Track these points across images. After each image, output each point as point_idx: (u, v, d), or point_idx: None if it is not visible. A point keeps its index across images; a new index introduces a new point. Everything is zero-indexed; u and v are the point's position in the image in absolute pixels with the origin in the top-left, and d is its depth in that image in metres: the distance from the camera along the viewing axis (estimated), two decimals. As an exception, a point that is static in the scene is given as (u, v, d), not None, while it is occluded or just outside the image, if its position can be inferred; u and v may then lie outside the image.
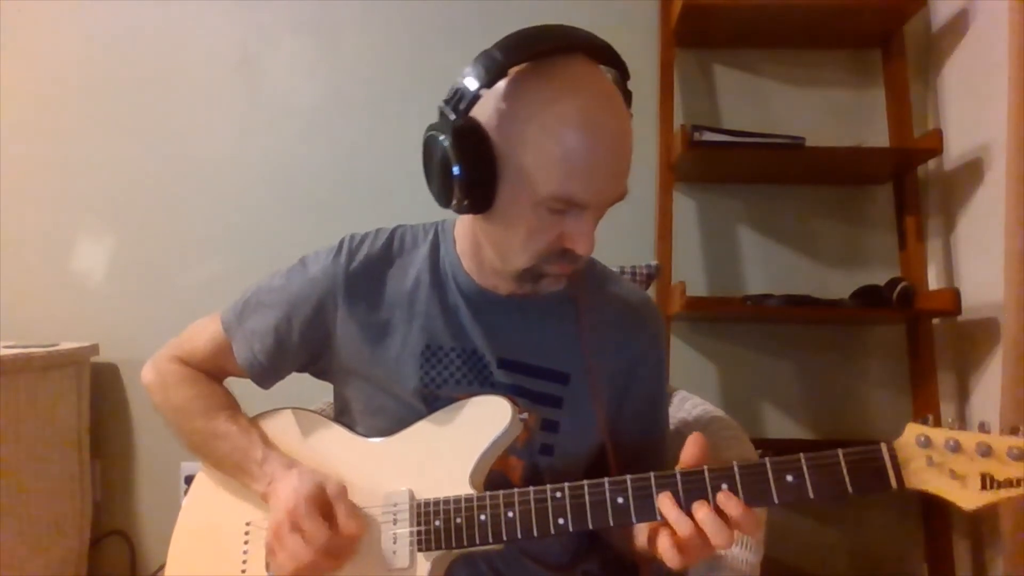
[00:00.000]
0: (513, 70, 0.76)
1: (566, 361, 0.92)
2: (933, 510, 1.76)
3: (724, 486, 0.73)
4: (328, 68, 1.98)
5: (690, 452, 0.76)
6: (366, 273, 0.94)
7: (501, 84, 0.77)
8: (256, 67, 1.98)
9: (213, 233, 1.97)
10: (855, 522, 1.88)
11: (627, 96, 0.83)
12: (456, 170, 0.77)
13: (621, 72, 0.82)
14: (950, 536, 1.72)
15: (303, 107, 1.97)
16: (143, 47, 1.98)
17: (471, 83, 0.76)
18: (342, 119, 1.95)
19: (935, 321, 1.78)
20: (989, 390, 1.60)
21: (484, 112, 0.77)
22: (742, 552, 0.93)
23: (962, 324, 1.70)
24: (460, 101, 0.76)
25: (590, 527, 0.78)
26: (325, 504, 0.83)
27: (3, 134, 1.98)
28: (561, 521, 0.79)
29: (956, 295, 1.60)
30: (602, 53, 0.80)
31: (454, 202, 0.79)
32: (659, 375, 1.00)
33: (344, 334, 0.94)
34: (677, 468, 0.76)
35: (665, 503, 0.74)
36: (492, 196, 0.79)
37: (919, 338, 1.78)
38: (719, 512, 0.72)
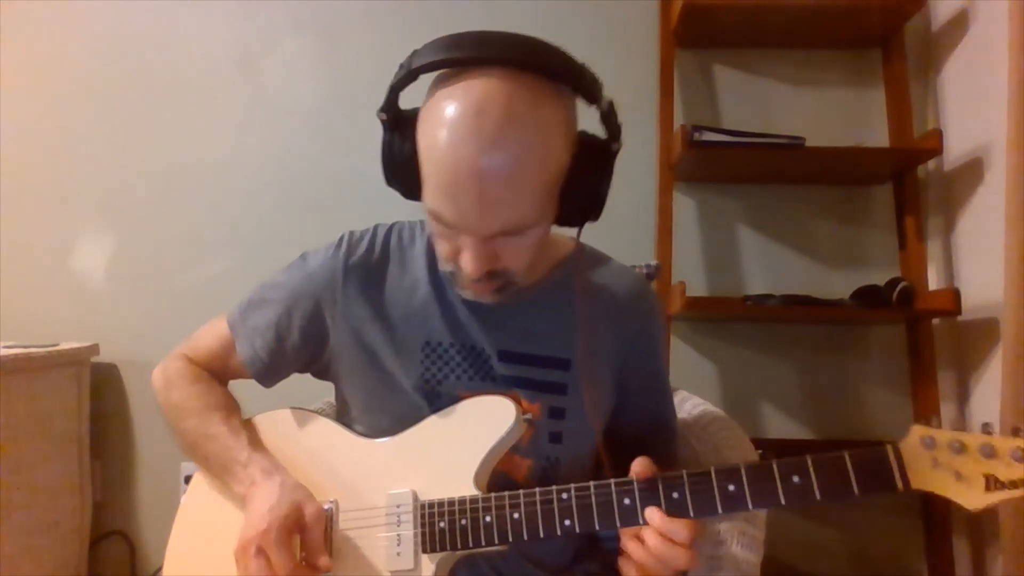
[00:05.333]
0: (436, 74, 0.76)
1: (566, 347, 0.92)
2: (933, 510, 1.77)
3: (731, 487, 0.73)
4: (328, 68, 1.98)
5: None
6: (365, 268, 0.94)
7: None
8: (256, 67, 1.98)
9: (213, 233, 1.97)
10: (855, 522, 1.88)
11: (608, 121, 0.78)
12: (383, 156, 0.81)
13: (568, 79, 0.75)
14: (950, 536, 1.72)
15: (303, 107, 1.97)
16: (143, 47, 1.98)
17: (393, 80, 0.78)
18: (342, 119, 1.95)
19: (935, 321, 1.78)
20: (989, 390, 1.60)
21: (421, 111, 0.79)
22: (742, 552, 0.93)
23: (962, 324, 1.70)
24: (389, 93, 0.79)
25: (597, 528, 0.78)
26: (299, 526, 0.82)
27: (3, 134, 1.98)
28: (567, 522, 0.79)
29: (956, 295, 1.60)
30: (536, 66, 0.73)
31: (386, 182, 0.83)
32: (658, 349, 1.01)
33: (344, 329, 0.94)
34: (685, 470, 0.76)
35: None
36: (417, 190, 0.80)
37: (919, 338, 1.78)
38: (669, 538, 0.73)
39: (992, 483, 0.65)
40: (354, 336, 0.93)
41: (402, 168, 0.79)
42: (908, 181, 1.82)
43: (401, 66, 0.77)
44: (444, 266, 0.84)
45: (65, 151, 1.98)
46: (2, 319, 1.94)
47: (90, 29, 1.98)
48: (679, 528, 0.73)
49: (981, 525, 1.65)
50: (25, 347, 1.71)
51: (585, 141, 0.79)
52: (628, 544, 0.76)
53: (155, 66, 1.98)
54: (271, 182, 1.97)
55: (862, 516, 1.88)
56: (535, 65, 0.73)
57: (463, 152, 0.71)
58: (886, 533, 1.87)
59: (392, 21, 1.95)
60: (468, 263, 0.77)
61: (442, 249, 0.82)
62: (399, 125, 0.79)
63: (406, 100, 0.80)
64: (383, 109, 0.79)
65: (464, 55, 0.73)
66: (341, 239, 0.97)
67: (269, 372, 0.98)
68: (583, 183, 0.78)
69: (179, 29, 1.98)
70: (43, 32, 1.99)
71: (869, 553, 1.87)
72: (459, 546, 0.82)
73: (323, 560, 0.81)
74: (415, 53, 0.76)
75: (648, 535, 0.74)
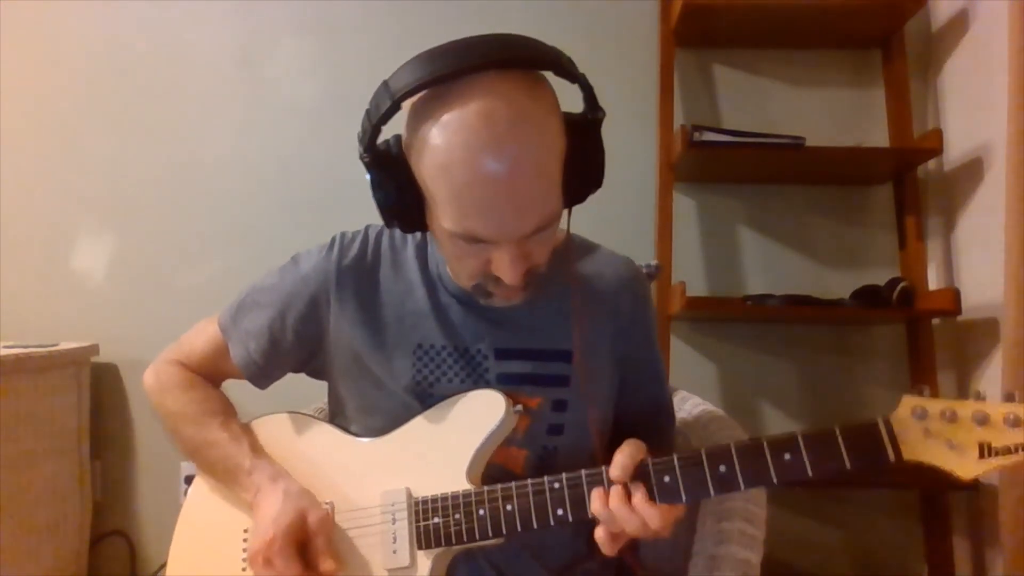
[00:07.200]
0: (410, 101, 0.73)
1: (565, 338, 0.92)
2: (933, 510, 1.76)
3: (722, 468, 0.74)
4: (328, 68, 1.98)
5: None
6: (358, 270, 0.94)
7: (405, 114, 0.75)
8: (256, 67, 1.98)
9: (213, 233, 1.97)
10: (855, 522, 1.88)
11: (587, 94, 0.78)
12: (377, 197, 0.78)
13: (547, 64, 0.74)
14: (950, 536, 1.72)
15: (303, 107, 1.97)
16: (144, 47, 1.98)
17: (371, 117, 0.75)
18: (342, 119, 1.95)
19: (935, 321, 1.78)
20: (989, 390, 1.57)
21: (404, 140, 0.78)
22: (742, 552, 0.93)
23: (962, 324, 1.70)
24: (364, 135, 0.76)
25: (590, 517, 0.78)
26: (304, 533, 0.83)
27: (3, 134, 1.98)
28: (560, 512, 0.79)
29: (956, 295, 1.60)
30: (522, 60, 0.73)
31: (385, 223, 0.81)
32: (652, 333, 1.01)
33: (337, 330, 0.94)
34: (675, 455, 0.77)
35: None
36: (420, 221, 0.79)
37: (919, 338, 1.78)
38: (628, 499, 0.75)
39: (986, 450, 0.64)
40: (348, 338, 0.93)
41: (400, 204, 0.78)
42: (908, 181, 1.82)
43: (376, 104, 0.74)
44: (467, 282, 0.83)
45: (65, 151, 1.99)
46: (2, 319, 1.94)
47: (90, 29, 1.99)
48: (643, 504, 0.75)
49: (981, 525, 1.65)
50: (25, 347, 1.71)
51: (570, 119, 0.78)
52: (593, 501, 0.77)
53: (155, 66, 1.98)
54: (271, 182, 1.97)
55: (862, 516, 1.87)
56: (515, 59, 0.72)
57: (486, 162, 0.70)
58: (886, 533, 1.87)
59: (392, 21, 1.95)
60: (508, 271, 0.76)
61: (467, 267, 0.80)
62: (385, 161, 0.77)
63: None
64: (366, 150, 0.77)
65: (447, 69, 0.70)
66: (333, 241, 0.97)
67: (263, 374, 0.98)
68: (582, 158, 0.78)
69: (179, 29, 1.98)
70: (43, 32, 1.99)
71: (869, 553, 1.87)
72: (454, 541, 0.82)
73: (328, 564, 0.82)
74: (387, 84, 0.73)
75: (612, 494, 0.76)
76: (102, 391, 1.94)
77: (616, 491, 0.76)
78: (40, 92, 1.99)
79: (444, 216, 0.75)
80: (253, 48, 1.98)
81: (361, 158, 0.77)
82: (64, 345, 1.81)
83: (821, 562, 1.87)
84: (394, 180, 0.77)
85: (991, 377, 1.59)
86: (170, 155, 1.98)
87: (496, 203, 0.72)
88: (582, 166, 0.78)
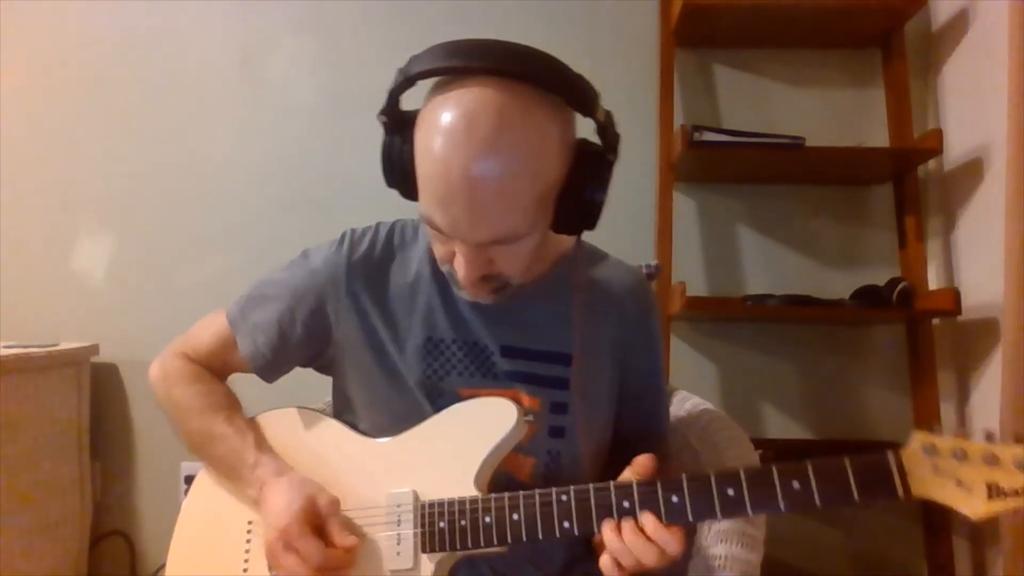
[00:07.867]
0: (431, 80, 0.76)
1: (567, 342, 0.92)
2: (933, 511, 1.76)
3: (730, 491, 0.73)
4: (328, 68, 1.98)
5: None
6: (368, 265, 0.95)
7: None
8: (256, 67, 1.98)
9: (213, 233, 1.97)
10: (855, 523, 1.88)
11: (603, 135, 0.78)
12: (382, 158, 0.81)
13: (562, 91, 0.74)
14: (950, 536, 1.72)
15: (303, 107, 1.97)
16: (143, 47, 1.98)
17: (391, 85, 0.78)
18: (342, 119, 1.95)
19: (935, 321, 1.78)
20: (989, 390, 1.60)
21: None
22: (742, 552, 0.93)
23: (962, 324, 1.70)
24: (388, 97, 0.79)
25: (596, 532, 0.78)
26: (317, 518, 0.83)
27: (3, 134, 1.98)
28: (566, 524, 0.79)
29: (956, 295, 1.60)
30: (528, 76, 0.72)
31: (387, 183, 0.83)
32: (656, 347, 1.01)
33: (346, 325, 0.94)
34: (684, 475, 0.76)
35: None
36: (413, 191, 0.80)
37: (919, 338, 1.78)
38: (641, 530, 0.74)
39: (995, 491, 0.64)
40: (357, 333, 0.94)
41: (401, 170, 0.79)
42: (908, 181, 1.82)
43: (399, 71, 0.77)
44: (442, 267, 0.85)
45: (65, 151, 1.98)
46: (2, 319, 1.93)
47: (90, 29, 1.98)
48: (652, 524, 0.74)
49: (981, 526, 1.65)
50: (25, 347, 1.71)
51: (583, 150, 0.78)
52: (605, 533, 0.76)
53: (155, 66, 1.98)
54: (271, 181, 1.97)
55: (862, 516, 1.88)
56: (529, 75, 0.72)
57: (454, 160, 0.71)
58: (886, 533, 1.87)
59: (392, 21, 1.94)
60: (461, 269, 0.78)
61: (438, 251, 0.83)
62: (399, 128, 0.79)
63: (409, 101, 0.80)
64: (382, 112, 0.79)
65: (459, 63, 0.72)
66: (343, 236, 0.97)
67: (271, 368, 0.98)
68: (578, 193, 0.78)
69: (179, 29, 1.98)
70: (43, 32, 1.99)
71: (869, 553, 1.87)
72: (458, 546, 0.82)
73: (349, 539, 0.82)
74: (413, 59, 0.76)
75: (625, 528, 0.75)
76: (102, 391, 1.94)
77: (628, 523, 0.75)
78: (40, 92, 1.99)
79: (420, 194, 0.78)
80: (253, 48, 1.98)
81: (378, 118, 0.80)
82: (64, 345, 1.81)
83: (821, 562, 1.87)
84: (401, 147, 0.79)
85: (991, 377, 1.59)
86: (170, 155, 1.98)
87: (452, 201, 0.73)
88: (577, 201, 0.78)
